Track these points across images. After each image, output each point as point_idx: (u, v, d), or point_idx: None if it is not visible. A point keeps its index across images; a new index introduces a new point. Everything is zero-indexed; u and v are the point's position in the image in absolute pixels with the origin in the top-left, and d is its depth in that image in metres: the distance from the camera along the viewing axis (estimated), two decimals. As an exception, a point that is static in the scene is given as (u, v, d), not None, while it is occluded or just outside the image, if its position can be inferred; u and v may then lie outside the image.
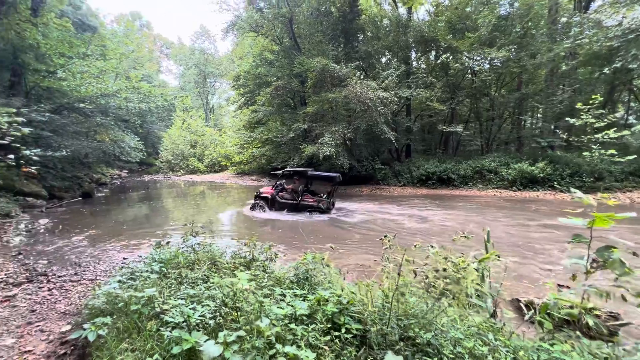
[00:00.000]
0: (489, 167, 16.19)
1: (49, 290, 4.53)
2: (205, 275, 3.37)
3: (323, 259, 2.78)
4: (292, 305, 2.33)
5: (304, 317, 2.32)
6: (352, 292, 2.61)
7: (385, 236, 2.27)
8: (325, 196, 11.22)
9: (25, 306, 4.00)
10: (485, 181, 16.07)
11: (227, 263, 3.88)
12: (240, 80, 25.53)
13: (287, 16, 20.26)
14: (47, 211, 11.29)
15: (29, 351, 3.02)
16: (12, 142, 6.75)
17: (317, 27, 21.41)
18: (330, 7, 20.69)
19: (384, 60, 22.15)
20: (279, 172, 12.56)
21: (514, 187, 14.90)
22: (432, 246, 2.10)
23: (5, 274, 5.20)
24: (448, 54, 19.40)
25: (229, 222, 10.56)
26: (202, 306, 2.58)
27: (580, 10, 16.33)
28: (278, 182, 11.74)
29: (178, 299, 2.77)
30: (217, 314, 2.47)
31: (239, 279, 2.06)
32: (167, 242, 4.45)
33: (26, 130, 6.77)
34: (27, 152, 7.16)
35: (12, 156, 6.99)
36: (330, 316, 2.31)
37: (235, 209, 12.11)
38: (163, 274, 3.39)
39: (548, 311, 2.28)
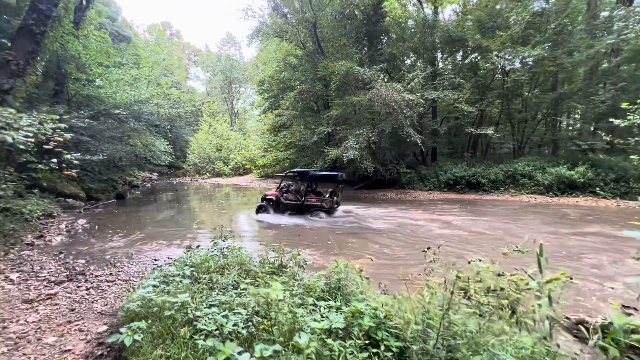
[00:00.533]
0: (522, 171, 15.35)
1: (87, 289, 4.71)
2: (235, 281, 3.35)
3: (361, 270, 2.66)
4: (327, 318, 2.24)
5: (339, 331, 2.21)
6: (384, 305, 2.48)
7: (429, 248, 2.12)
8: (328, 195, 11.19)
9: (65, 305, 4.17)
10: (518, 186, 15.25)
11: (261, 271, 3.85)
12: (264, 85, 25.97)
13: (311, 21, 20.37)
14: (84, 212, 11.92)
15: (69, 350, 3.12)
16: (55, 147, 7.17)
17: (341, 31, 21.39)
18: (354, 10, 20.62)
19: (408, 62, 21.75)
20: (282, 173, 12.63)
21: (551, 193, 14.02)
22: (480, 260, 1.93)
23: (47, 272, 5.48)
24: (476, 54, 18.72)
25: (248, 224, 10.60)
26: (234, 314, 2.55)
27: (624, 3, 15.22)
28: (282, 184, 11.84)
29: (210, 305, 2.76)
30: (250, 323, 2.42)
31: (274, 289, 2.00)
32: (198, 246, 4.51)
33: (68, 135, 7.17)
34: (68, 156, 7.57)
35: (55, 160, 7.40)
36: (366, 331, 2.19)
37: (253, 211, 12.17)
38: (194, 279, 3.41)
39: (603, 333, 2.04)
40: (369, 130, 14.80)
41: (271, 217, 10.89)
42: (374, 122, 16.04)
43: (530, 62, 16.84)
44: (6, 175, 7.58)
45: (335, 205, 11.22)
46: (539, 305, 1.53)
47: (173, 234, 8.76)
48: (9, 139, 5.66)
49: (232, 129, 41.59)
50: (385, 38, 21.38)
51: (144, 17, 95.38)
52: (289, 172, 12.11)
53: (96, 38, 15.70)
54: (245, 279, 3.52)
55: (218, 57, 52.95)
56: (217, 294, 2.94)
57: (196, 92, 48.36)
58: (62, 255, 6.47)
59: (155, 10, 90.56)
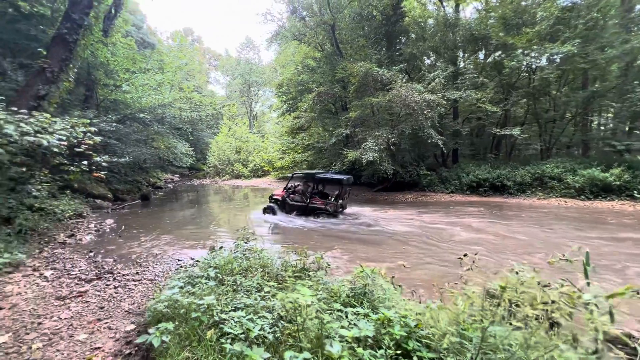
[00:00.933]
0: (550, 174, 14.63)
1: (115, 288, 4.85)
2: (258, 283, 3.33)
3: (393, 277, 2.57)
4: (355, 325, 2.16)
5: (368, 340, 2.14)
6: (418, 314, 2.38)
7: (465, 255, 2.01)
8: (333, 199, 11.28)
9: (95, 302, 4.30)
10: (546, 189, 14.55)
11: (288, 276, 3.83)
12: (283, 87, 26.20)
13: (329, 23, 20.39)
14: (112, 212, 12.37)
15: (99, 348, 3.19)
16: (86, 150, 7.46)
17: (359, 32, 21.31)
18: (373, 11, 20.48)
19: (428, 62, 21.34)
20: (290, 174, 13.01)
21: (582, 196, 13.28)
22: (522, 269, 1.80)
23: (78, 270, 5.69)
24: (500, 52, 18.13)
25: (265, 227, 10.59)
26: (259, 317, 2.52)
27: (664, -6, 14.29)
28: (289, 185, 11.96)
29: (235, 308, 2.75)
30: (275, 327, 2.39)
31: (303, 294, 1.95)
32: (220, 247, 4.55)
33: (98, 139, 7.46)
34: (98, 158, 7.86)
35: (85, 162, 7.70)
36: (397, 340, 2.10)
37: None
38: (219, 281, 3.42)
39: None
40: (388, 132, 14.58)
41: (278, 218, 11.02)
42: (394, 124, 15.79)
43: (559, 60, 16.12)
44: (41, 177, 7.97)
45: (340, 209, 11.26)
46: (599, 323, 1.39)
47: (195, 234, 8.93)
48: (45, 142, 5.94)
49: (250, 132, 42.22)
50: (405, 38, 21.10)
51: (168, 24, 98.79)
52: (296, 173, 12.26)
53: (123, 45, 16.32)
54: (268, 281, 3.50)
55: (237, 61, 54.02)
56: (242, 296, 2.93)
57: (216, 96, 49.47)
58: (91, 254, 6.72)
59: (178, 17, 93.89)
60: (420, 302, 2.70)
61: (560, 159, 15.70)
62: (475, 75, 16.39)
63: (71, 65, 9.56)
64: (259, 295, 3.03)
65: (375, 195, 17.69)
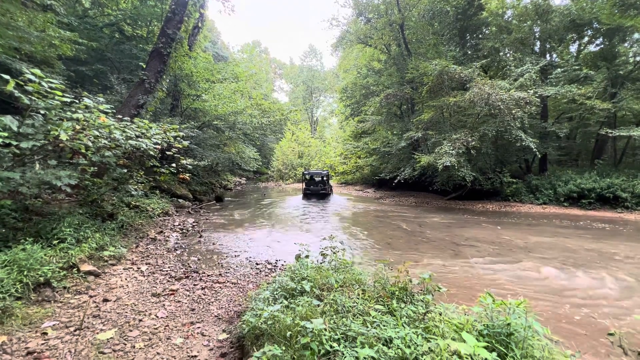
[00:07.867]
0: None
1: (202, 289, 4.88)
2: (360, 305, 2.89)
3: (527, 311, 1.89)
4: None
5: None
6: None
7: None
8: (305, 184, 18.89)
9: (186, 303, 4.32)
10: (679, 203, 11.66)
11: (376, 289, 3.36)
12: (347, 92, 25.99)
13: (398, 22, 19.60)
14: (192, 211, 13.29)
15: (195, 357, 3.08)
16: (174, 153, 7.99)
17: (429, 30, 20.09)
18: (445, 6, 19.11)
19: (512, 56, 19.08)
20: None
21: None
22: None
23: (168, 267, 5.96)
24: (602, 39, 15.31)
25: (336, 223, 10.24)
26: (377, 352, 2.07)
27: None
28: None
29: (344, 335, 2.34)
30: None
31: (470, 346, 1.43)
32: (307, 256, 4.25)
33: (186, 143, 7.94)
34: (184, 161, 8.38)
35: (174, 165, 8.25)
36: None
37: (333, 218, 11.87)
38: (316, 297, 3.08)
39: None
40: (467, 134, 13.18)
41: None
42: (472, 125, 14.27)
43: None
44: (138, 178, 8.79)
45: (308, 191, 19.14)
46: None
47: (268, 237, 8.98)
48: (143, 146, 6.43)
49: (312, 137, 42.95)
50: (484, 32, 19.22)
51: (238, 38, 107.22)
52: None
53: (203, 59, 17.77)
54: (369, 301, 3.05)
55: (300, 69, 55.81)
56: (350, 321, 2.51)
57: (280, 103, 51.70)
58: (178, 252, 7.07)
59: (248, 31, 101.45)
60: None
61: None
62: (577, 68, 14.01)
63: (164, 77, 10.52)
64: (367, 320, 2.59)
65: (448, 203, 16.21)
